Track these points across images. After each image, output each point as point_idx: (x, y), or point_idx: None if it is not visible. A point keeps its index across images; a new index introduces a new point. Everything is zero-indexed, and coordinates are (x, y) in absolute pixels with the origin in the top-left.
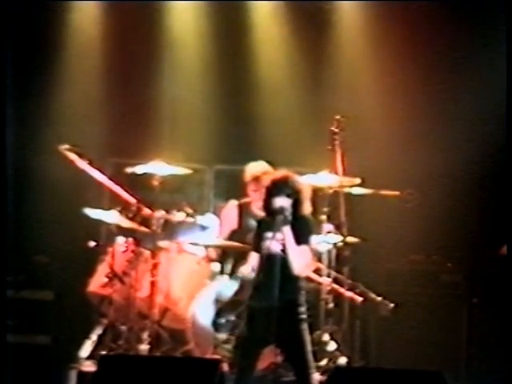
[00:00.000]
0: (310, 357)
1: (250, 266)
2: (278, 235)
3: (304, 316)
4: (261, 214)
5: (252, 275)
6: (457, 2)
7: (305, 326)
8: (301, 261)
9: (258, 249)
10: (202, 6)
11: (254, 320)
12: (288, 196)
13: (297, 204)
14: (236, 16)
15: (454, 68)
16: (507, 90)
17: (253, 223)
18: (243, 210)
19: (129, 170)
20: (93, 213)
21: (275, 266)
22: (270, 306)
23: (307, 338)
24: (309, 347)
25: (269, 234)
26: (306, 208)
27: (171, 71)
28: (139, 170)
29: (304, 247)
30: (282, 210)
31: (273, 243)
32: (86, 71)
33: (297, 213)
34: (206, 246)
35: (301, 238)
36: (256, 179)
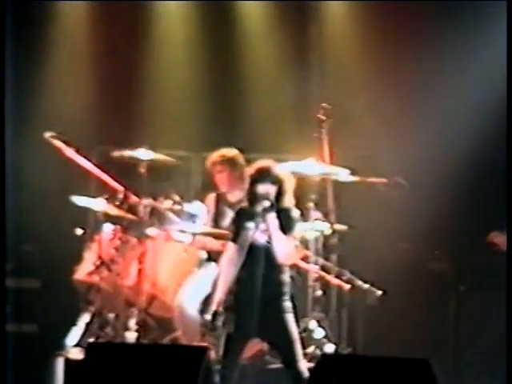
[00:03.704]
0: (298, 346)
1: (228, 257)
2: (262, 225)
3: (289, 306)
4: (232, 199)
5: (230, 266)
6: None
7: (291, 316)
8: (285, 249)
9: (236, 239)
10: (189, 4)
11: (240, 313)
12: (272, 183)
13: (280, 195)
14: (222, 12)
15: (447, 59)
16: (507, 87)
17: (226, 210)
18: (219, 200)
19: (116, 153)
20: (80, 200)
21: (259, 257)
22: (255, 299)
23: (294, 327)
24: (296, 336)
25: (251, 224)
26: (289, 200)
27: (158, 60)
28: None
29: (288, 237)
30: (267, 195)
31: (257, 233)
32: (74, 61)
33: (280, 204)
34: (194, 234)
35: (284, 229)
36: (213, 163)
